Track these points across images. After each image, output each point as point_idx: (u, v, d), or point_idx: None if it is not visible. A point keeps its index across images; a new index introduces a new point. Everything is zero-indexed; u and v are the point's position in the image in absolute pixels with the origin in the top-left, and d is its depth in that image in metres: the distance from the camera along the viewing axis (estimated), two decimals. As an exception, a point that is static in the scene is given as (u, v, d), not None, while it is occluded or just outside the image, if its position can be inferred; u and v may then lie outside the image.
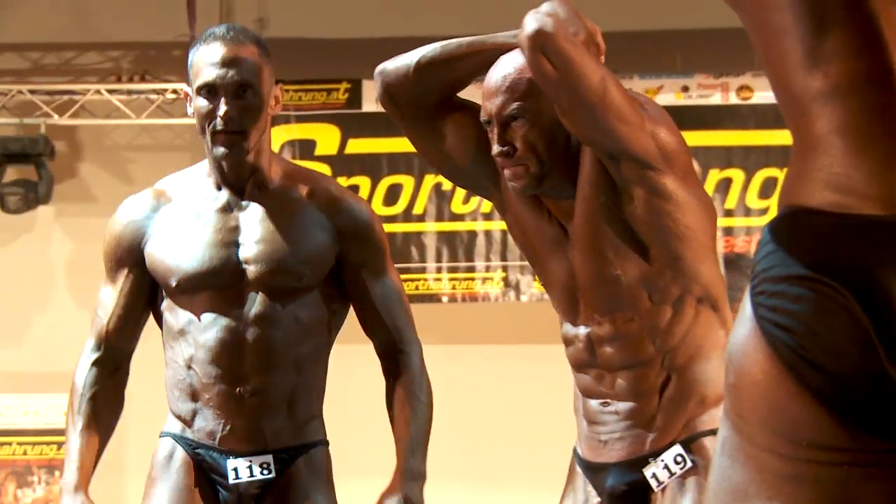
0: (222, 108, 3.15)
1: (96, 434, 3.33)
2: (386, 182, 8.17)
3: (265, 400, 3.23)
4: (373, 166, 8.16)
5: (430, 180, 8.43)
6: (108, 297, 3.34)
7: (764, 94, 7.98)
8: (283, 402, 3.25)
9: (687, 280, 2.77)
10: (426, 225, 8.28)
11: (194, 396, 3.25)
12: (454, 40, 2.83)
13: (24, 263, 8.74)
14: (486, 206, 8.17)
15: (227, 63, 3.18)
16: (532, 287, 8.43)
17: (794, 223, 1.54)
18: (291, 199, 3.32)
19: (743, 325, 1.57)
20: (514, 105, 2.75)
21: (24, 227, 8.75)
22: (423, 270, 8.26)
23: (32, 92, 8.62)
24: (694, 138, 7.69)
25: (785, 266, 1.51)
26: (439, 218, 8.52)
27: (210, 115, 3.17)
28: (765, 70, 1.66)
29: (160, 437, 3.33)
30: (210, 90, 3.17)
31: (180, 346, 3.25)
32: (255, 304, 3.24)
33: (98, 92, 8.29)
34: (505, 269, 8.54)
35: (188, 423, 3.27)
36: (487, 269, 8.51)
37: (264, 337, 3.23)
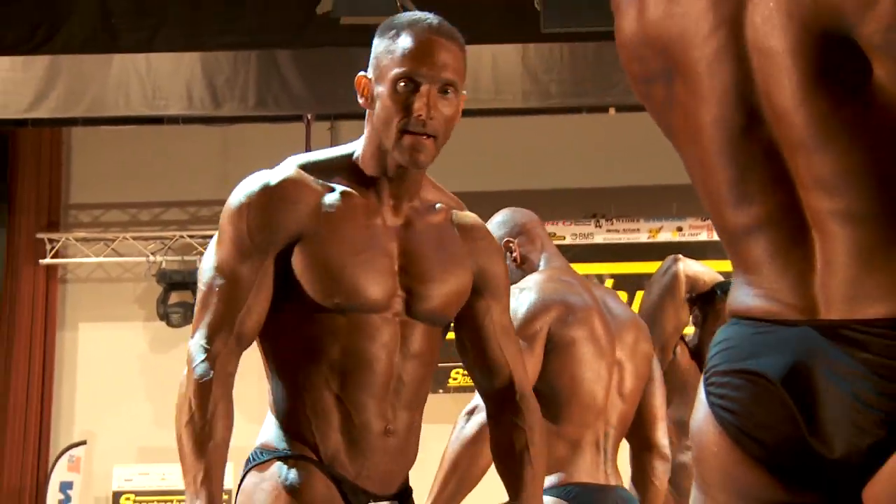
0: (425, 107, 2.49)
1: (223, 453, 2.47)
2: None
3: (405, 441, 2.63)
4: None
5: None
6: (240, 280, 2.50)
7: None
8: (414, 444, 2.68)
9: None
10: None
11: (341, 428, 2.55)
12: None
13: (182, 367, 9.36)
14: None
15: (443, 53, 2.53)
16: None
17: (736, 328, 1.65)
18: (440, 223, 2.69)
19: (699, 409, 1.69)
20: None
21: (183, 338, 8.73)
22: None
23: (191, 237, 9.54)
24: (686, 266, 9.04)
25: (730, 362, 1.63)
26: None
27: (407, 111, 2.50)
28: (703, 202, 1.72)
29: (276, 456, 2.55)
30: (410, 83, 2.50)
31: (322, 370, 2.54)
32: (414, 338, 2.61)
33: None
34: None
35: (325, 452, 2.55)
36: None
37: (417, 374, 2.63)
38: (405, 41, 2.53)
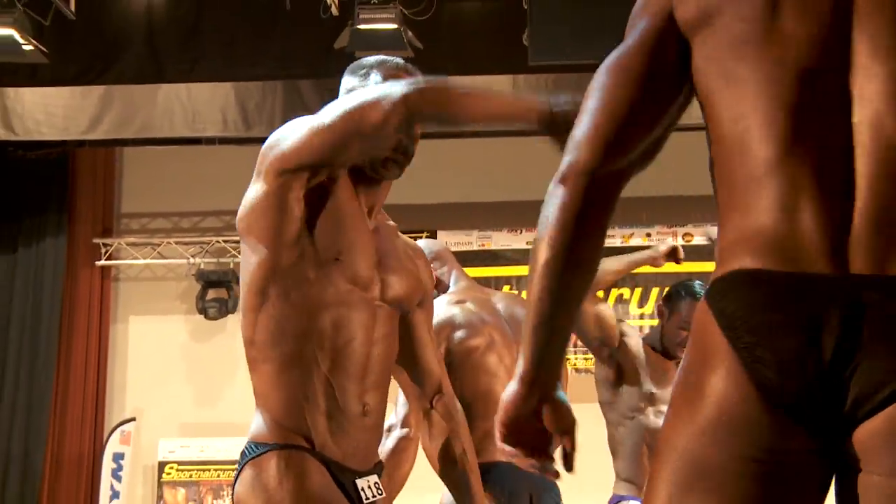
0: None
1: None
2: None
3: (378, 418, 2.56)
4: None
5: None
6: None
7: (699, 239, 8.50)
8: (382, 420, 2.62)
9: None
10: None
11: (331, 413, 2.44)
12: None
13: (218, 354, 9.33)
14: None
15: None
16: None
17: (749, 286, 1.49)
18: (394, 236, 2.69)
19: (718, 368, 1.49)
20: None
21: (219, 330, 9.51)
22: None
23: (225, 241, 9.46)
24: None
25: (761, 312, 1.46)
26: None
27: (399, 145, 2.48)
28: (720, 151, 1.56)
29: (273, 449, 2.41)
30: None
31: (318, 343, 2.44)
32: (383, 321, 2.55)
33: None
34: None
35: (316, 437, 2.43)
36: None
37: (384, 356, 2.55)
38: (375, 79, 2.55)
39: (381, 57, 2.62)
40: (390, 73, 2.55)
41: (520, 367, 1.68)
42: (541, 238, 1.66)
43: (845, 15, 1.52)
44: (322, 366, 2.44)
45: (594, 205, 1.65)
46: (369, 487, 2.52)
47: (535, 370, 1.67)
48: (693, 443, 1.51)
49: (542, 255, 1.65)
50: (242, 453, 2.48)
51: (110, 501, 8.99)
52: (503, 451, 1.73)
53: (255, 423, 2.50)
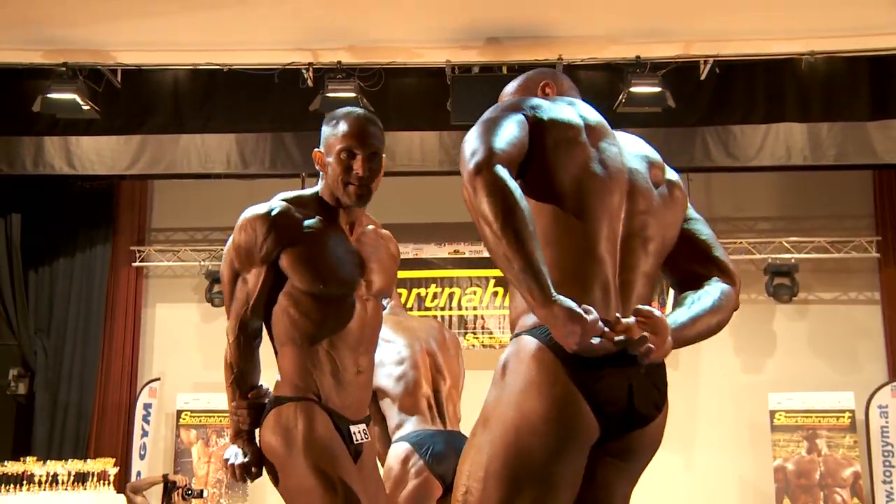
0: (361, 168, 2.43)
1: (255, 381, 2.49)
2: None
3: (368, 377, 2.54)
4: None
5: (414, 292, 8.80)
6: (249, 286, 2.42)
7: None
8: (371, 379, 2.58)
9: None
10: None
11: (334, 374, 2.43)
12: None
13: (222, 332, 8.15)
14: (442, 302, 8.75)
15: (368, 133, 2.45)
16: (464, 342, 8.45)
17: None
18: (376, 236, 2.61)
19: (559, 389, 1.63)
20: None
21: (221, 314, 7.44)
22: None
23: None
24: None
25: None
26: (419, 310, 8.60)
27: (349, 171, 2.43)
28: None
29: (291, 400, 2.41)
30: (350, 153, 2.43)
31: (320, 333, 2.42)
32: (372, 307, 2.51)
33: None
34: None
35: (323, 395, 2.43)
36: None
37: (373, 331, 2.54)
38: (343, 126, 2.49)
39: (348, 109, 2.58)
40: (354, 123, 2.52)
41: (546, 294, 1.60)
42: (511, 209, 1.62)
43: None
44: (325, 344, 2.47)
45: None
46: (359, 432, 2.53)
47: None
48: None
49: (521, 223, 1.62)
50: (265, 405, 2.48)
51: (141, 439, 8.85)
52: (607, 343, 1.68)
53: (276, 384, 2.51)
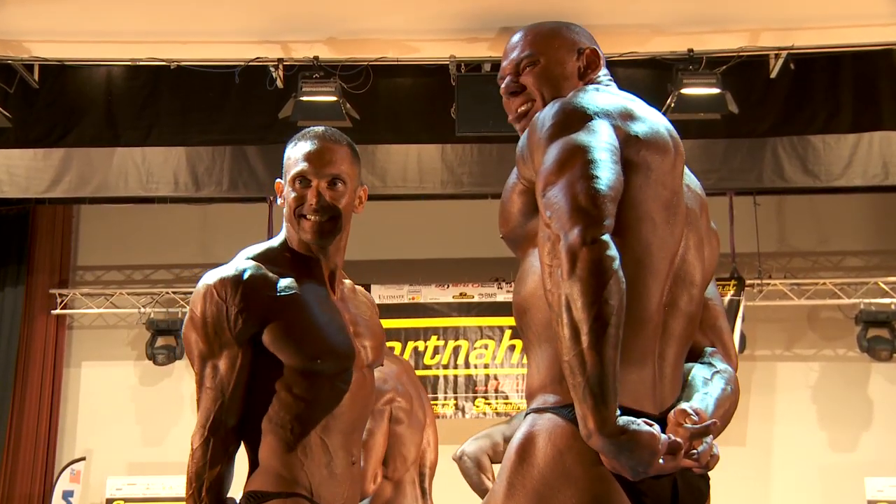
0: (314, 197, 2.44)
1: None
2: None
3: (360, 471, 2.53)
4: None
5: (410, 345, 8.95)
6: (222, 373, 2.35)
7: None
8: (363, 474, 2.57)
9: None
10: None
11: (327, 465, 2.42)
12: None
13: (165, 397, 9.51)
14: (445, 359, 8.96)
15: (326, 154, 2.46)
16: (473, 409, 8.84)
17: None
18: (355, 297, 2.64)
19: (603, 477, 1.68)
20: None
21: (166, 375, 9.51)
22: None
23: (175, 293, 9.42)
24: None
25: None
26: (416, 368, 8.61)
27: (300, 201, 2.45)
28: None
29: (277, 497, 2.38)
30: (303, 180, 2.44)
31: (310, 416, 2.40)
32: (364, 382, 2.51)
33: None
34: (455, 398, 8.90)
35: (314, 489, 2.40)
36: (445, 398, 8.86)
37: (367, 409, 2.56)
38: (300, 149, 2.49)
39: (310, 128, 2.57)
40: (310, 144, 2.51)
41: (611, 423, 1.63)
42: (608, 306, 1.61)
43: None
44: (318, 430, 2.42)
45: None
46: None
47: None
48: None
49: (613, 329, 1.63)
50: (241, 502, 2.42)
51: (59, 539, 8.90)
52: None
53: (254, 476, 2.43)
